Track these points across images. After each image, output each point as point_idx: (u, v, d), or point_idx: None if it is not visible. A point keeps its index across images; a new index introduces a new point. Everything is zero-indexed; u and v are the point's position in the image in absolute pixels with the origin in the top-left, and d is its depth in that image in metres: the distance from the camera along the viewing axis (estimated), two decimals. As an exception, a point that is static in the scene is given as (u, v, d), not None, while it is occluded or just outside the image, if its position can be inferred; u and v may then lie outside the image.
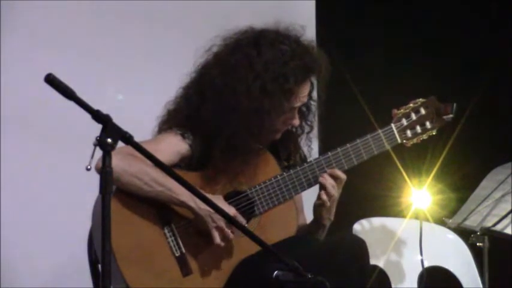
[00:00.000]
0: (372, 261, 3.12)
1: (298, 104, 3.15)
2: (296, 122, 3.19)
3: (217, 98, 3.10)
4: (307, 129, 3.29)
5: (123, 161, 2.90)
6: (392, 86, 4.59)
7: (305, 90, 3.15)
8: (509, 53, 4.71)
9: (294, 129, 3.28)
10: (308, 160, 3.30)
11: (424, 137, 3.25)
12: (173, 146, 3.11)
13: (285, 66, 3.08)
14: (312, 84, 3.20)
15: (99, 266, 3.03)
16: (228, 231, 3.02)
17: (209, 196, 2.93)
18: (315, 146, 3.42)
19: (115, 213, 2.91)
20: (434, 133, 3.26)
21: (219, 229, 3.01)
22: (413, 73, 4.71)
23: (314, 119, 3.30)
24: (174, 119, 3.20)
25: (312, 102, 3.29)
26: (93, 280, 3.15)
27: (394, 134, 3.21)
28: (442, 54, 4.79)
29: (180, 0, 4.39)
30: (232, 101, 3.07)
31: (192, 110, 3.16)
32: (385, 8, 4.76)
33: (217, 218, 2.98)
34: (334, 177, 3.13)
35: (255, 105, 3.07)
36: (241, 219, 3.05)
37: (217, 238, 3.01)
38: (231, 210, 3.02)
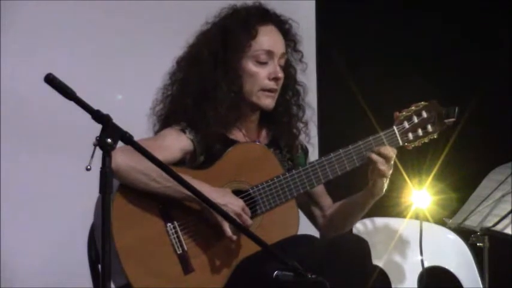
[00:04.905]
0: (372, 261, 3.12)
1: (267, 47, 3.19)
2: (280, 74, 3.21)
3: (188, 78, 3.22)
4: (299, 113, 3.33)
5: (130, 158, 2.91)
6: (393, 87, 4.59)
7: (271, 32, 3.22)
8: (509, 53, 4.71)
9: (288, 118, 3.31)
10: (308, 151, 3.38)
11: (426, 140, 3.26)
12: (177, 143, 3.13)
13: (242, 10, 3.24)
14: (288, 50, 3.28)
15: (99, 266, 3.04)
16: (245, 217, 3.03)
17: (218, 189, 3.02)
18: (316, 148, 3.43)
19: (119, 209, 2.95)
20: (435, 136, 3.27)
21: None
22: (414, 72, 4.71)
23: (304, 103, 3.34)
24: (168, 120, 3.22)
25: (299, 87, 3.33)
26: (93, 280, 3.16)
27: (396, 136, 3.22)
28: (443, 53, 4.79)
29: (181, 0, 4.40)
30: (205, 65, 3.18)
31: (181, 104, 3.20)
32: (386, 8, 4.75)
33: (226, 210, 2.98)
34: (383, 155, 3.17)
35: (221, 50, 3.17)
36: (249, 213, 3.06)
37: (228, 231, 3.01)
38: (239, 203, 3.04)
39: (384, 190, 3.21)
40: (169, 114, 3.23)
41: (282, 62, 3.25)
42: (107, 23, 4.26)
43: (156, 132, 3.24)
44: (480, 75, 4.67)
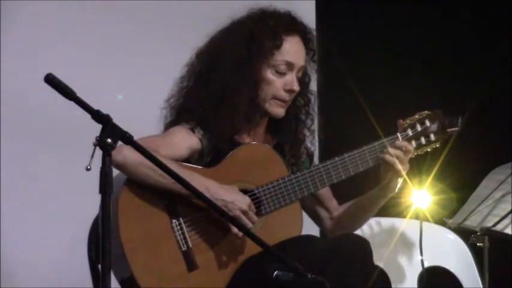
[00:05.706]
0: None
1: (288, 59, 3.18)
2: (296, 87, 3.21)
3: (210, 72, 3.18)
4: (307, 121, 3.33)
5: (138, 152, 2.90)
6: (394, 87, 4.59)
7: (296, 43, 3.21)
8: (509, 53, 4.71)
9: (296, 125, 3.32)
10: (313, 156, 3.38)
11: (428, 149, 3.27)
12: (185, 141, 3.14)
13: (271, 16, 3.22)
14: (307, 55, 3.27)
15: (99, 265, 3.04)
16: (252, 214, 3.03)
17: (226, 186, 3.03)
18: (316, 149, 3.43)
19: (125, 203, 2.97)
20: (438, 145, 3.28)
21: (237, 218, 3.01)
22: (414, 73, 4.71)
23: (314, 112, 3.34)
24: (180, 115, 3.21)
25: (310, 96, 3.33)
26: (93, 280, 3.15)
27: None
28: (443, 53, 4.79)
29: (180, 1, 4.40)
30: (225, 63, 3.15)
31: (196, 100, 3.19)
32: (386, 7, 4.75)
33: (233, 207, 3.00)
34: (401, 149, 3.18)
35: (245, 54, 3.15)
36: (254, 211, 3.06)
37: (234, 227, 3.02)
38: (246, 200, 3.04)
39: (397, 188, 3.23)
40: (183, 109, 3.23)
41: (300, 74, 3.25)
42: (107, 23, 4.26)
43: (167, 125, 3.24)
44: (480, 75, 4.67)
